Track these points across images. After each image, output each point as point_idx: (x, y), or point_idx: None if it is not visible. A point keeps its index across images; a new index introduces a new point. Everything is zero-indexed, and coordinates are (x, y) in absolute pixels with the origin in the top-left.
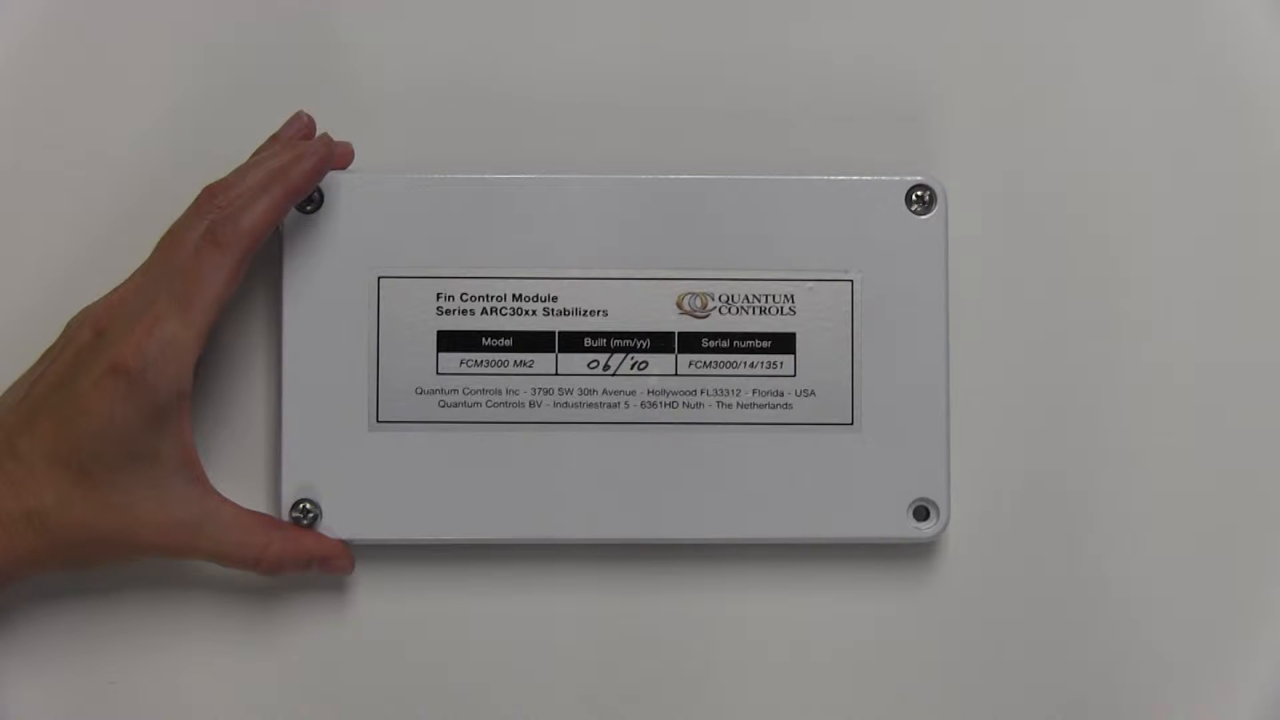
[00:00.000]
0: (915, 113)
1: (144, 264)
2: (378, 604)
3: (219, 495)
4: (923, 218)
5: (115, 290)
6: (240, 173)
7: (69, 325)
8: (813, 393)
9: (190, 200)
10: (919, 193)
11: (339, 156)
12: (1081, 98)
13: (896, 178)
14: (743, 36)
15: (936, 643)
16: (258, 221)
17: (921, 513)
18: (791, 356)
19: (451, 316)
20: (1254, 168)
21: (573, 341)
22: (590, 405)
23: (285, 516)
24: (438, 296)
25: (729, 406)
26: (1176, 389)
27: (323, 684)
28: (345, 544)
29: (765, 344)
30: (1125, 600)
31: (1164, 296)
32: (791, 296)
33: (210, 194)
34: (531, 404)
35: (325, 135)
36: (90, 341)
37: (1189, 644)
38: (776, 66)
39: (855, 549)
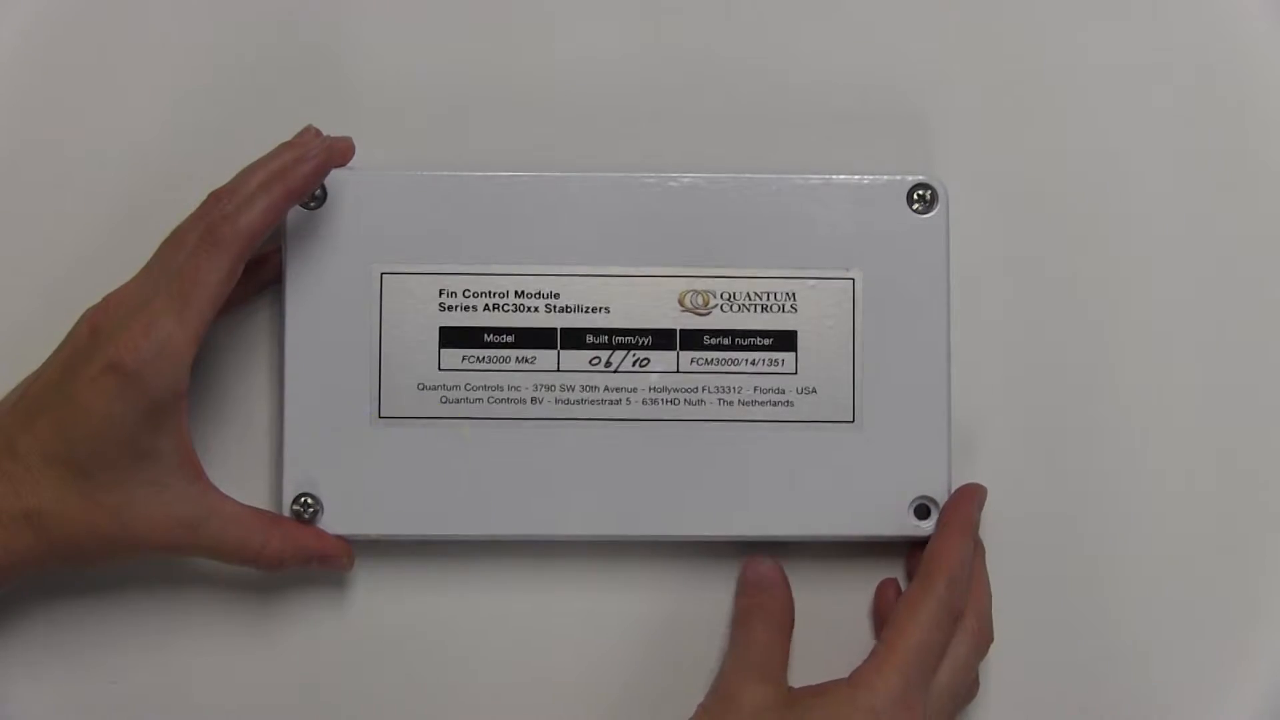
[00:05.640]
0: (917, 113)
1: (145, 265)
2: (378, 601)
3: (218, 492)
4: (924, 216)
5: (115, 291)
6: (243, 175)
7: (75, 326)
8: (814, 390)
9: (191, 200)
10: (920, 192)
11: (339, 154)
12: (1082, 97)
13: (898, 177)
14: (744, 37)
15: None
16: (255, 221)
17: (922, 510)
18: (793, 354)
19: (453, 313)
20: (1255, 167)
21: (575, 338)
22: (592, 402)
23: (286, 512)
24: (440, 293)
25: (730, 404)
26: (1177, 387)
27: (323, 681)
28: (345, 541)
29: (767, 341)
30: (1125, 598)
31: (1164, 295)
32: (793, 294)
33: (215, 198)
34: (533, 400)
35: (327, 138)
36: (86, 340)
37: (1189, 643)
38: (779, 67)
39: (856, 547)
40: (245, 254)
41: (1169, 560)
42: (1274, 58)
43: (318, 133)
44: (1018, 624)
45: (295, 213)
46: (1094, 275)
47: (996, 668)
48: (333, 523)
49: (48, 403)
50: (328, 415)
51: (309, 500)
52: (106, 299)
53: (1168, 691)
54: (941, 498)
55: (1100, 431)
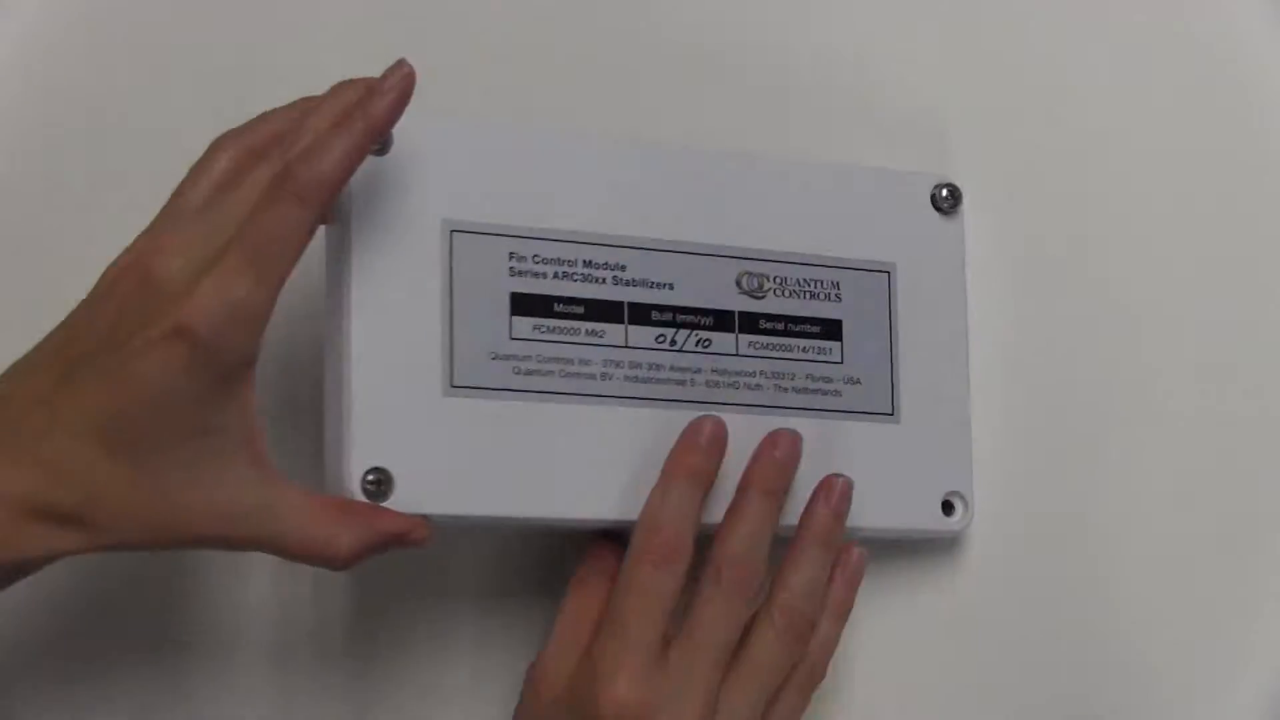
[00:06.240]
0: (928, 113)
1: (190, 209)
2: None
3: (283, 478)
4: (947, 215)
5: (157, 237)
6: (298, 112)
7: (105, 274)
8: (858, 381)
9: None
10: (944, 191)
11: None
12: (1090, 100)
13: (924, 173)
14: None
15: (942, 640)
16: (338, 166)
17: (948, 507)
18: (838, 343)
19: (524, 278)
20: (1265, 165)
21: (641, 314)
22: (658, 381)
23: (356, 489)
24: (510, 256)
25: (785, 391)
26: (1177, 387)
27: None
28: (415, 517)
29: (815, 329)
30: (1125, 598)
31: (1165, 295)
32: (837, 283)
33: (275, 138)
34: (603, 376)
35: (405, 63)
36: (138, 295)
37: (1189, 643)
38: (789, 60)
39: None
40: (329, 204)
41: (1169, 560)
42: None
43: (411, 70)
44: (1017, 624)
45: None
46: (1094, 275)
47: (995, 667)
48: (404, 501)
49: (94, 368)
50: (396, 384)
51: (380, 477)
52: (154, 245)
53: (1168, 691)
54: (967, 493)
55: (1101, 431)
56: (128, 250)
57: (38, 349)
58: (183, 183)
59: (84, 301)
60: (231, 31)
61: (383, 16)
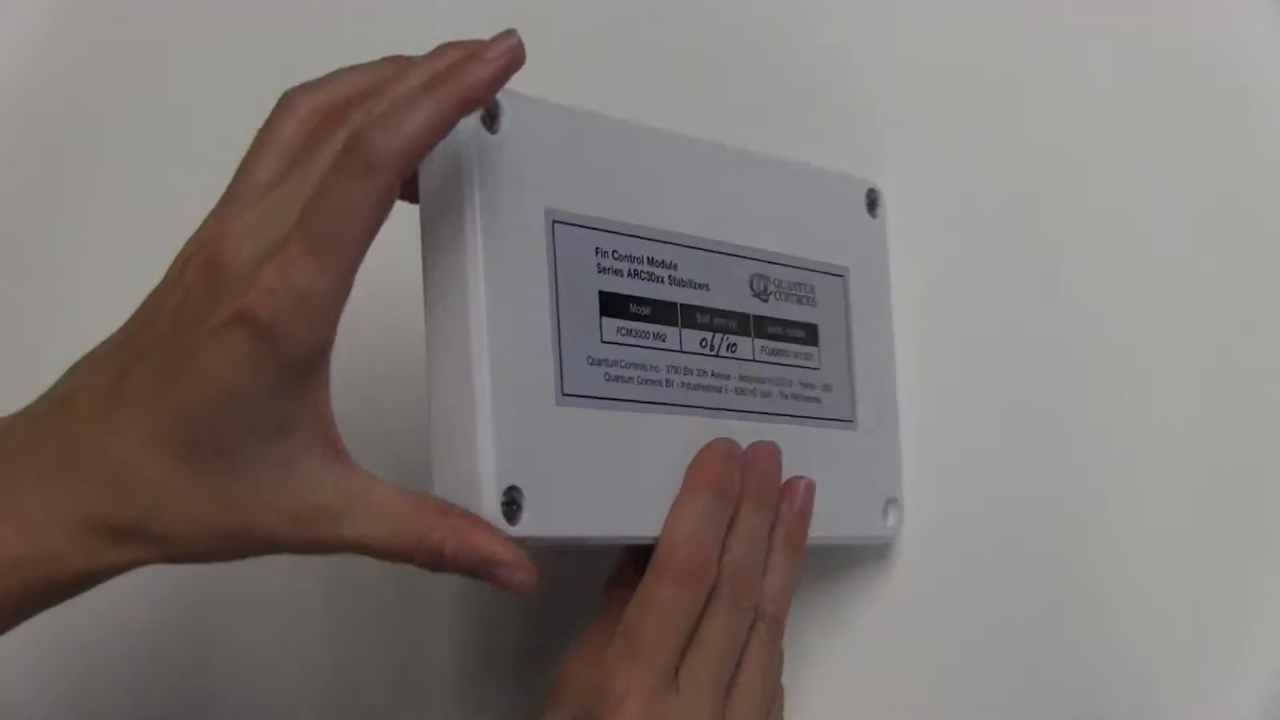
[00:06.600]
0: (930, 115)
1: (250, 183)
2: None
3: (364, 473)
4: (875, 219)
5: (224, 217)
6: (388, 69)
7: (174, 261)
8: (831, 387)
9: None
10: (873, 195)
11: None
12: (1089, 100)
13: (856, 177)
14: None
15: (942, 641)
16: (418, 136)
17: (886, 512)
18: (817, 349)
19: (608, 276)
20: (1260, 165)
21: (690, 316)
22: (705, 388)
23: (497, 511)
24: (596, 251)
25: (786, 398)
26: (1175, 386)
27: None
28: (524, 552)
29: (801, 334)
30: (1121, 599)
31: (1163, 294)
32: (813, 287)
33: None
34: (666, 383)
35: (514, 34)
36: (201, 282)
37: (1187, 644)
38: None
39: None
40: (404, 176)
41: (1168, 560)
42: (1272, 59)
43: (520, 41)
44: (1014, 625)
45: (475, 134)
46: (1094, 275)
47: (991, 669)
48: (532, 524)
49: (156, 363)
50: (520, 393)
51: (514, 496)
52: (220, 228)
53: (1165, 693)
54: (900, 498)
55: (1095, 431)
56: (195, 234)
57: (105, 342)
58: (249, 152)
59: (153, 291)
60: (231, 32)
61: (383, 15)
